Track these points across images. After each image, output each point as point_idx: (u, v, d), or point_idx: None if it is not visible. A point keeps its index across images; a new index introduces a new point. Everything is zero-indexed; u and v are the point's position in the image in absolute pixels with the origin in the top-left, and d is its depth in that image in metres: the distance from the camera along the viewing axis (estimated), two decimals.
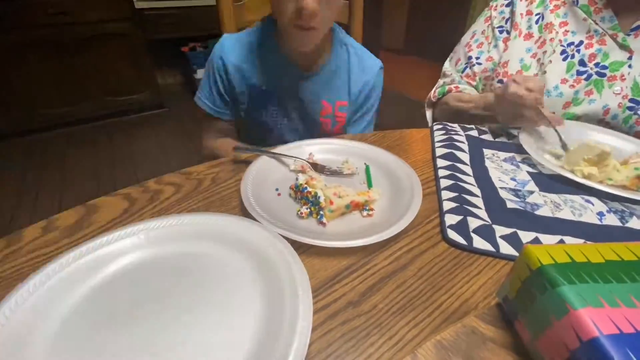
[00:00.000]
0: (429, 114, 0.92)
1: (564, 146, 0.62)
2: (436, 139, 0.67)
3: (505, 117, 0.67)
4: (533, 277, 0.29)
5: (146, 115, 2.67)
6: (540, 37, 0.76)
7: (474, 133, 0.69)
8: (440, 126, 0.70)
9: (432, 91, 0.89)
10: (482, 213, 0.48)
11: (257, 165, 0.56)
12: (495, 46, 0.81)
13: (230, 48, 0.74)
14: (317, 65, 0.76)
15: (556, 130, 0.63)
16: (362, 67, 0.79)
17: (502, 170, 0.58)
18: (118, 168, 2.08)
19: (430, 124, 0.89)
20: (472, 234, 0.44)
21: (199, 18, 2.58)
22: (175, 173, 0.57)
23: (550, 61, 0.73)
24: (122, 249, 0.39)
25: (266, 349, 0.29)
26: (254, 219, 0.44)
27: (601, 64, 0.71)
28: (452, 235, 0.44)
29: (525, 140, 0.62)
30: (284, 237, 0.41)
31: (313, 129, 0.81)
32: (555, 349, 0.27)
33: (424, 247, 0.43)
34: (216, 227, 0.42)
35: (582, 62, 0.71)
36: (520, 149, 0.63)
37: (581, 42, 0.72)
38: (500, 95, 0.65)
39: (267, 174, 0.56)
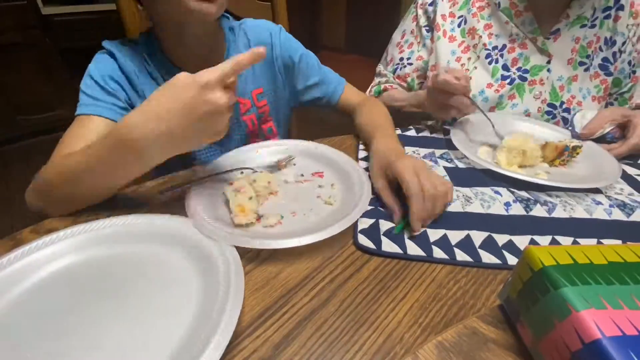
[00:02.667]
0: None
1: (500, 136, 0.59)
2: (360, 141, 0.61)
3: (435, 108, 0.61)
4: (535, 278, 0.26)
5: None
6: (463, 42, 0.71)
7: (397, 132, 0.64)
8: None
9: (368, 90, 0.82)
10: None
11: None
12: (424, 45, 0.76)
13: (123, 56, 0.54)
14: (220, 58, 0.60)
15: (489, 119, 0.60)
16: (259, 44, 0.62)
17: None
18: None
19: None
20: (382, 237, 0.40)
21: (120, 23, 2.16)
22: (59, 217, 0.43)
23: (475, 67, 0.70)
24: (49, 256, 0.35)
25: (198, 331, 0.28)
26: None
27: (523, 68, 0.68)
28: (362, 240, 0.40)
29: (456, 134, 0.58)
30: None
31: (237, 134, 0.64)
32: (557, 350, 0.23)
33: (348, 273, 0.36)
34: (151, 227, 0.38)
35: (505, 67, 0.68)
36: (440, 144, 0.61)
37: (504, 46, 0.68)
38: (430, 86, 0.59)
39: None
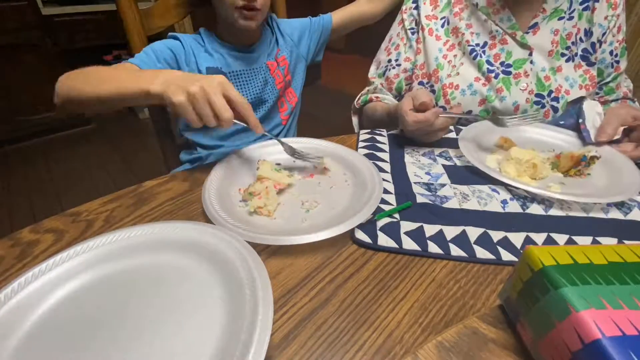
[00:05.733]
0: (355, 120, 0.85)
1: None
2: (360, 139, 0.62)
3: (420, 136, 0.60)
4: (535, 278, 0.25)
5: (68, 133, 2.10)
6: (448, 41, 0.72)
7: (397, 132, 0.65)
8: (367, 130, 0.65)
9: (357, 98, 0.83)
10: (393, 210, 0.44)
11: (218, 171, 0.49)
12: (410, 47, 0.77)
13: (186, 40, 0.68)
14: (257, 38, 0.75)
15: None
16: (286, 22, 0.80)
17: (419, 164, 0.55)
18: (37, 198, 1.58)
19: (356, 130, 0.83)
20: (379, 232, 0.40)
21: (120, 23, 2.15)
22: (59, 216, 0.43)
23: (462, 63, 0.70)
24: (75, 269, 0.33)
25: (226, 352, 0.26)
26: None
27: (506, 62, 0.68)
28: (359, 235, 0.40)
29: (464, 141, 0.56)
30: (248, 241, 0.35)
31: (270, 93, 0.76)
32: (557, 350, 0.23)
33: (347, 273, 0.36)
34: (171, 235, 0.36)
35: (489, 62, 0.69)
36: (439, 143, 0.61)
37: (485, 44, 0.69)
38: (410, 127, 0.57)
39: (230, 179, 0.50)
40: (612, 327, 0.21)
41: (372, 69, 0.84)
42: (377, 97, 0.78)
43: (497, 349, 0.27)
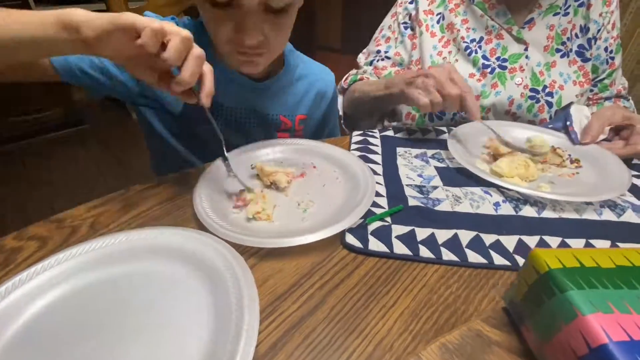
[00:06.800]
0: (340, 99, 0.82)
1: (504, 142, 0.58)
2: (353, 141, 0.60)
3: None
4: (541, 281, 0.24)
5: (61, 134, 2.02)
6: (443, 37, 0.72)
7: (390, 133, 0.64)
8: (359, 132, 0.64)
9: (344, 79, 0.81)
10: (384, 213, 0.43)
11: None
12: (402, 42, 0.76)
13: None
14: (268, 77, 0.62)
15: (493, 131, 0.59)
16: (315, 80, 0.68)
17: (411, 167, 0.54)
18: (29, 201, 1.53)
19: (341, 112, 0.82)
20: (370, 236, 0.39)
21: None
22: (43, 222, 0.41)
23: (457, 60, 0.70)
24: (57, 277, 0.32)
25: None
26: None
27: (501, 57, 0.68)
28: (350, 239, 0.39)
29: (453, 145, 0.55)
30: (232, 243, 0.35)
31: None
32: (562, 355, 0.22)
33: (337, 279, 0.35)
34: (157, 241, 0.35)
35: (484, 57, 0.69)
36: (432, 144, 0.60)
37: (481, 39, 0.69)
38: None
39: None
40: (620, 331, 0.20)
41: (361, 57, 0.82)
42: (368, 78, 0.77)
43: (501, 351, 0.26)
